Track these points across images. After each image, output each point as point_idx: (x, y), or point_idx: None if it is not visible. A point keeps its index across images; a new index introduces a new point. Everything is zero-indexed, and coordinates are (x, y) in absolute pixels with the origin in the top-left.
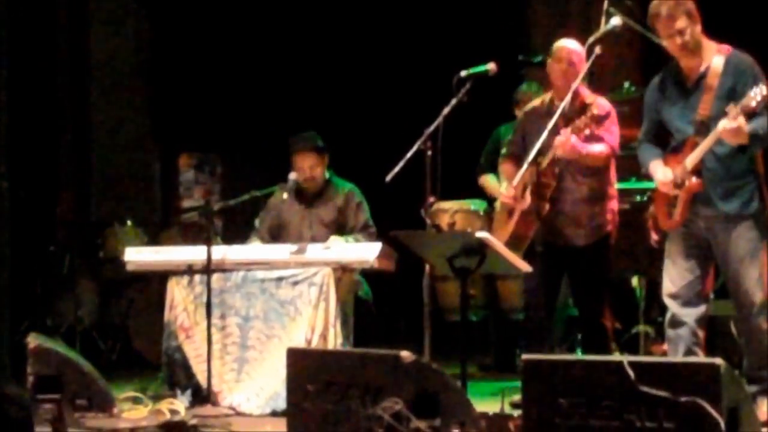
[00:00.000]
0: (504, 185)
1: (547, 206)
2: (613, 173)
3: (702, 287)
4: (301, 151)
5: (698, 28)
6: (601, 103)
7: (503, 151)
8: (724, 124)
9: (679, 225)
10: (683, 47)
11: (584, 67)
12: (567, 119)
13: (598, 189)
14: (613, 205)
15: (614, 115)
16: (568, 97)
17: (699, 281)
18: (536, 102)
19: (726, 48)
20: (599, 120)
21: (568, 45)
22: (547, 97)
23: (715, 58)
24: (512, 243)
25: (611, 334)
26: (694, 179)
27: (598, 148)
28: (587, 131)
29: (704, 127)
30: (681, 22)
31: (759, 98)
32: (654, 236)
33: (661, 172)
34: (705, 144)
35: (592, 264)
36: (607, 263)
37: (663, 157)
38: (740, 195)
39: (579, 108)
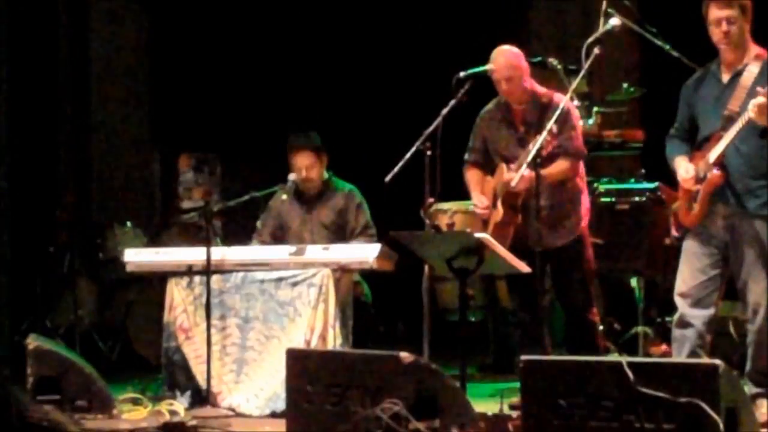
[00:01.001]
0: (476, 195)
1: (519, 215)
2: (581, 167)
3: (713, 289)
4: (298, 151)
5: (747, 27)
6: (559, 103)
7: (466, 157)
8: (754, 102)
9: (698, 220)
10: (726, 36)
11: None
12: (528, 124)
13: (571, 189)
14: (585, 198)
15: (573, 113)
16: (561, 107)
17: (711, 283)
18: (491, 106)
19: (766, 53)
20: (561, 124)
21: (501, 54)
22: (501, 100)
23: (755, 60)
24: None
25: (598, 329)
26: (715, 171)
27: (558, 168)
28: (549, 148)
29: (731, 123)
30: (733, 11)
31: None
32: (674, 233)
33: (684, 168)
34: (728, 136)
35: (571, 262)
36: (586, 258)
37: (690, 154)
38: (759, 195)
39: (539, 109)
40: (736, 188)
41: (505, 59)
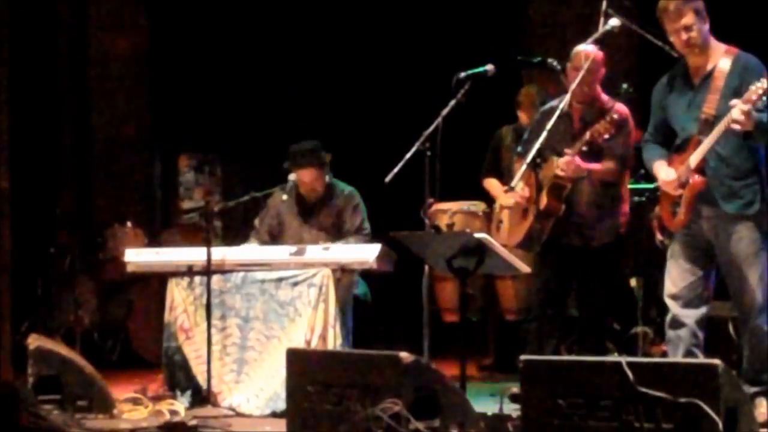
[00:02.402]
0: (519, 185)
1: (562, 207)
2: (626, 179)
3: (703, 289)
4: (302, 167)
5: (706, 27)
6: (620, 109)
7: (519, 149)
8: (732, 114)
9: (683, 224)
10: (688, 44)
11: (597, 69)
12: (585, 123)
13: (614, 191)
14: (625, 208)
15: (631, 122)
16: (567, 97)
17: (700, 282)
18: (555, 102)
19: (733, 49)
20: (619, 125)
21: (586, 50)
22: (566, 99)
23: (723, 58)
24: (527, 243)
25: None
26: (696, 177)
27: (604, 166)
28: (606, 135)
29: (708, 126)
30: (688, 19)
31: (760, 92)
32: (659, 236)
33: (665, 173)
34: (708, 141)
35: (604, 265)
36: (618, 264)
37: (668, 157)
38: (743, 195)
39: (598, 113)
40: (719, 191)
41: (591, 53)
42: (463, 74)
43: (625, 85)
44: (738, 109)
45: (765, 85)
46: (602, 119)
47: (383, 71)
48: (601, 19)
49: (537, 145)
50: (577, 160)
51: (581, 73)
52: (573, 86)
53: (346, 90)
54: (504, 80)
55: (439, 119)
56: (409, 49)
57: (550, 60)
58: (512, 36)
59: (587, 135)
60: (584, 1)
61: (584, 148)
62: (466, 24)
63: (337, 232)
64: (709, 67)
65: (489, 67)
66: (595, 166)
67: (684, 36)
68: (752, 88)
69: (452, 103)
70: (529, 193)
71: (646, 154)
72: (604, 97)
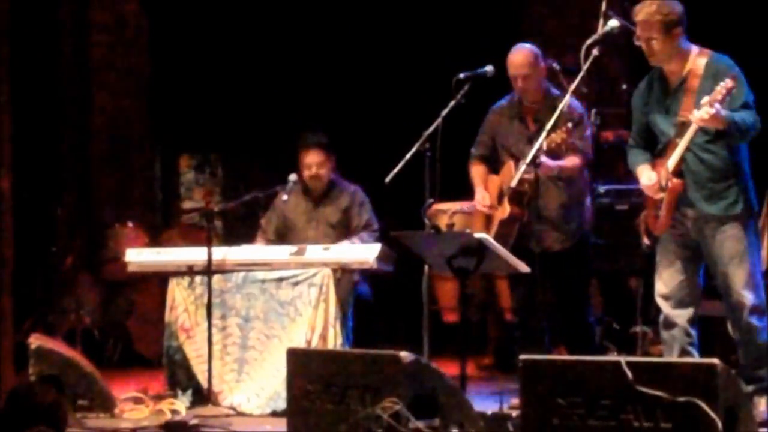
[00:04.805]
0: (479, 191)
1: (525, 213)
2: (586, 174)
3: (692, 288)
4: (309, 148)
5: (675, 40)
6: (572, 106)
7: (473, 151)
8: (696, 114)
9: (665, 227)
10: (648, 53)
11: (537, 66)
12: (540, 123)
13: (576, 192)
14: (588, 203)
15: (585, 117)
16: (562, 105)
17: (689, 282)
18: (503, 102)
19: (706, 51)
20: (575, 123)
21: (520, 51)
22: (515, 97)
23: (697, 59)
24: None
25: (594, 331)
26: (675, 180)
27: (571, 162)
28: (563, 146)
29: (685, 129)
30: (651, 32)
31: (724, 91)
32: (645, 240)
33: (646, 177)
34: (682, 144)
35: (573, 265)
36: (588, 262)
37: (652, 162)
38: (725, 197)
39: (550, 109)
40: (701, 193)
41: (524, 57)
42: (463, 75)
43: (624, 86)
44: (703, 108)
45: (729, 84)
46: (553, 116)
47: (383, 72)
48: (601, 20)
49: (536, 146)
50: (546, 160)
51: (524, 71)
52: (518, 88)
53: (347, 90)
54: (504, 81)
55: (439, 120)
56: (410, 50)
57: (549, 60)
58: (512, 36)
59: (545, 146)
60: (584, 2)
61: (543, 157)
62: (466, 24)
63: (344, 230)
64: (685, 70)
65: (489, 68)
66: (560, 163)
67: (644, 46)
68: (717, 88)
69: (452, 103)
70: (489, 201)
71: (630, 159)
72: (555, 91)
